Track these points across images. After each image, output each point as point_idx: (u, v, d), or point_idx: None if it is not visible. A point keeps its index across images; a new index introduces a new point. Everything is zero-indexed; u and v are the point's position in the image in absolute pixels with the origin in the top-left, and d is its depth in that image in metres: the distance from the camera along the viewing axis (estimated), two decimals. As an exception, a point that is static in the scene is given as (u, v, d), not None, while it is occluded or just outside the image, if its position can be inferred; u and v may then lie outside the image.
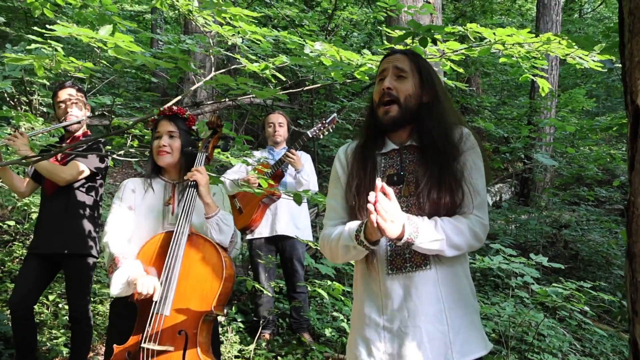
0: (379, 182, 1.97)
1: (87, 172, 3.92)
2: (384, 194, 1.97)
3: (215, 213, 2.97)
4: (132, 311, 2.87)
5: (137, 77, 9.23)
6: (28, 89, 6.35)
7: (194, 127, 3.24)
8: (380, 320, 2.21)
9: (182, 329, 2.77)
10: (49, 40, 2.93)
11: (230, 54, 4.29)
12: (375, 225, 1.94)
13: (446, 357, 2.12)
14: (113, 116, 3.60)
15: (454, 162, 2.21)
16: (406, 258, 2.19)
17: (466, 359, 2.14)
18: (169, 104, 3.23)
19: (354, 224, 2.20)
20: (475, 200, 2.20)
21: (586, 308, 4.64)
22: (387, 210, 1.95)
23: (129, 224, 3.03)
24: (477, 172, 2.25)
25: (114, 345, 2.81)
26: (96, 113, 6.55)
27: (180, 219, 2.91)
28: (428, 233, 2.07)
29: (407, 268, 2.18)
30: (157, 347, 2.70)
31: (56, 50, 2.95)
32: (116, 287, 2.81)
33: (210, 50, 3.85)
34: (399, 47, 3.44)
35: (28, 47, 3.04)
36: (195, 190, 2.97)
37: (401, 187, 2.25)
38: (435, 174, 2.16)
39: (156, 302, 2.75)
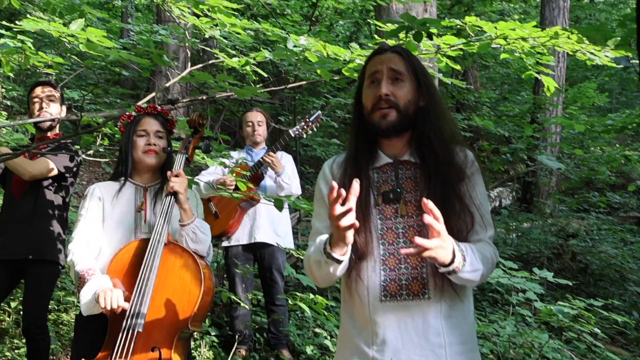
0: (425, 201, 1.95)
1: (55, 171, 4.02)
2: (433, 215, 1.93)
3: (192, 221, 3.05)
4: (100, 323, 2.92)
5: (105, 69, 9.27)
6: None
7: (174, 131, 3.36)
8: (370, 351, 2.18)
9: (155, 345, 2.84)
10: (18, 35, 3.02)
11: (207, 47, 4.41)
12: (432, 249, 1.92)
13: None
14: (82, 113, 3.70)
15: (460, 183, 2.20)
16: (402, 285, 2.16)
17: None
18: (142, 102, 3.34)
19: (324, 237, 2.18)
20: (489, 230, 2.23)
21: (596, 329, 4.62)
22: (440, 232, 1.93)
23: (95, 238, 3.09)
24: (485, 200, 2.27)
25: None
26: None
27: (156, 228, 2.97)
28: (471, 261, 2.06)
29: (402, 296, 2.15)
30: (128, 365, 2.76)
31: (24, 43, 3.04)
32: (85, 305, 2.88)
33: (186, 43, 3.95)
34: (390, 42, 3.52)
35: (-3, 42, 3.12)
36: (173, 197, 3.04)
37: (397, 206, 2.23)
38: (438, 194, 2.13)
39: (128, 316, 2.81)
